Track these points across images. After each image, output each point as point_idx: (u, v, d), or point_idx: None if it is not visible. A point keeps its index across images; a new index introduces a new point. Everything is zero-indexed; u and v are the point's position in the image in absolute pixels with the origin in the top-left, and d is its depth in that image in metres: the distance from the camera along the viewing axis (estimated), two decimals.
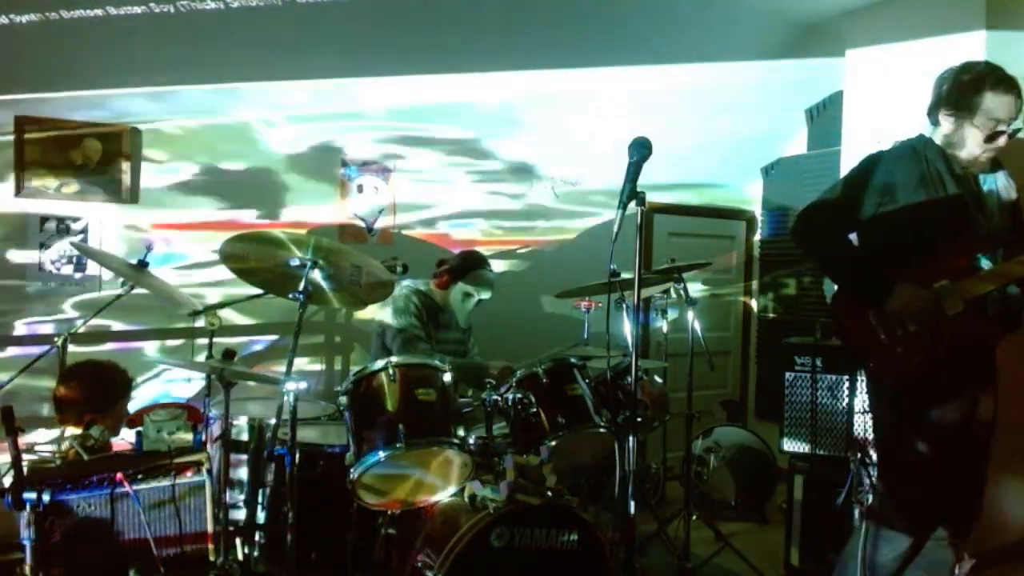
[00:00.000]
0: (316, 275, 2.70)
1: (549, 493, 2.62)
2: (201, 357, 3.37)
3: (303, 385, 2.57)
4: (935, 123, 2.56)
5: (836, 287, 2.77)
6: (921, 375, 2.47)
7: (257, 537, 2.96)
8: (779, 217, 5.49)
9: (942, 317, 2.43)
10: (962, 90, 2.46)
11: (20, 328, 3.68)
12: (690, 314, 3.68)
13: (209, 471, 2.66)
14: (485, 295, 3.77)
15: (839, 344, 2.85)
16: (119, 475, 2.47)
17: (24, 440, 2.94)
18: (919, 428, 2.50)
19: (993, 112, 2.42)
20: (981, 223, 2.51)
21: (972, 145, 2.47)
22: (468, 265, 3.77)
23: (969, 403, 2.51)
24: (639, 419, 3.26)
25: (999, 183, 2.58)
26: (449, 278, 3.75)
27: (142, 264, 3.13)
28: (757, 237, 5.70)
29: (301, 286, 2.63)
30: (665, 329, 4.17)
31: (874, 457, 2.94)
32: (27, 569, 2.34)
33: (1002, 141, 2.46)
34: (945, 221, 2.48)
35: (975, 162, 2.51)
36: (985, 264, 2.45)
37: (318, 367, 4.40)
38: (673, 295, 3.78)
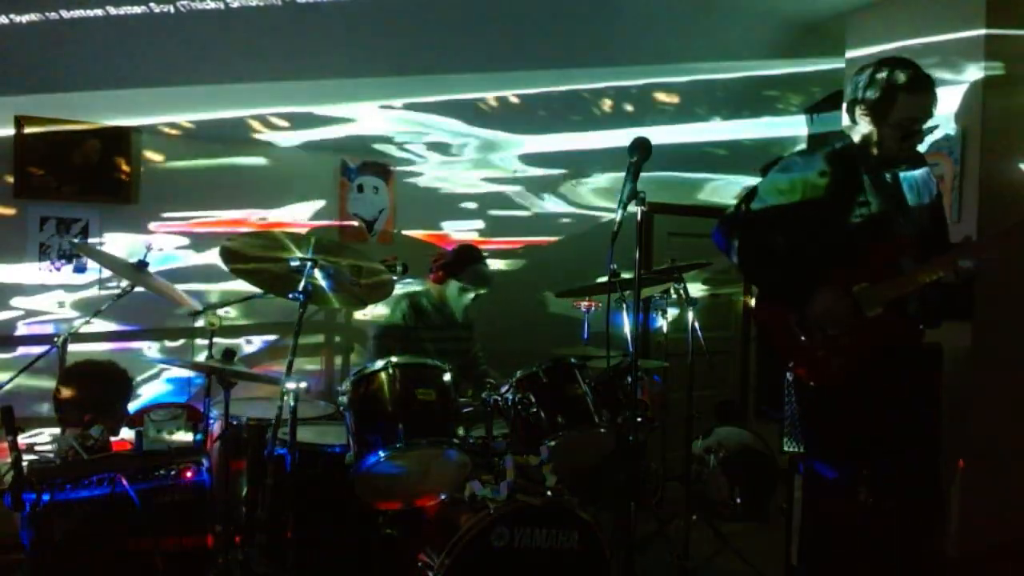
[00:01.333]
0: (316, 275, 2.70)
1: (549, 493, 2.62)
2: (201, 357, 3.37)
3: (303, 385, 2.57)
4: (853, 121, 2.55)
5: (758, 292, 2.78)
6: (844, 377, 2.46)
7: (257, 537, 2.96)
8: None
9: (862, 319, 2.42)
10: (877, 90, 2.44)
11: (20, 328, 3.68)
12: (690, 314, 3.68)
13: (209, 471, 2.66)
14: (482, 290, 3.77)
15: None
16: (119, 475, 2.47)
17: (24, 440, 2.94)
18: (847, 429, 2.49)
19: (907, 112, 2.40)
20: (902, 224, 2.49)
21: (889, 144, 2.46)
22: (463, 260, 3.76)
23: (899, 401, 2.48)
24: (639, 419, 3.27)
25: (920, 181, 2.57)
26: (444, 273, 3.74)
27: (142, 264, 3.13)
28: None
29: (301, 286, 2.63)
30: (665, 329, 4.17)
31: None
32: (27, 569, 2.34)
33: (918, 140, 2.46)
34: (865, 224, 2.47)
35: (894, 160, 2.50)
36: (907, 264, 2.45)
37: (318, 367, 4.40)
38: (673, 295, 3.78)
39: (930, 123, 2.48)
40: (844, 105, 2.57)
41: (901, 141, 2.44)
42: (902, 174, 2.54)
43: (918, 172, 2.57)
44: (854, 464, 2.50)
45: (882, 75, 2.44)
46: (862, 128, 2.50)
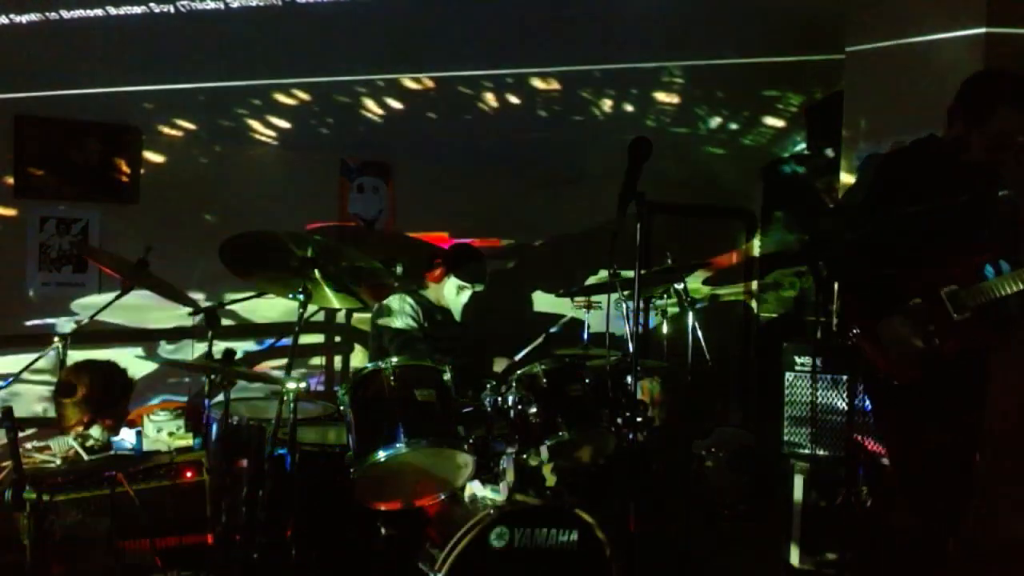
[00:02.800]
0: (316, 275, 2.69)
1: (549, 493, 2.62)
2: (200, 357, 3.37)
3: (303, 385, 2.57)
4: (951, 124, 2.56)
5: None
6: (925, 377, 2.47)
7: (257, 537, 2.96)
8: (779, 217, 5.48)
9: (949, 321, 2.43)
10: (978, 96, 2.46)
11: (20, 328, 3.68)
12: (690, 315, 3.68)
13: (209, 471, 2.66)
14: (479, 287, 3.79)
15: (840, 344, 2.88)
16: (119, 475, 2.47)
17: (24, 440, 2.94)
18: (931, 432, 2.50)
19: (1003, 124, 2.41)
20: (992, 228, 2.50)
21: (977, 152, 2.47)
22: (461, 258, 3.80)
23: (970, 404, 2.51)
24: (639, 419, 3.26)
25: (1000, 191, 2.56)
26: (442, 272, 3.77)
27: (142, 264, 3.13)
28: (757, 237, 5.70)
29: (301, 286, 2.63)
30: (665, 329, 4.17)
31: (873, 456, 2.95)
32: (27, 569, 2.34)
33: (1007, 155, 2.46)
34: (952, 224, 2.47)
35: (982, 167, 2.50)
36: (989, 271, 2.45)
37: (318, 367, 4.40)
38: (673, 295, 3.78)
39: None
40: (948, 109, 2.57)
41: (988, 151, 2.45)
42: (989, 183, 2.54)
43: (1000, 183, 2.56)
44: (922, 463, 2.51)
45: (987, 83, 2.47)
46: (955, 132, 2.52)
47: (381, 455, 2.58)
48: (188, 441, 2.71)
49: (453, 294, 3.78)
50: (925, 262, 2.49)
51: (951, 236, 2.48)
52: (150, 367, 3.90)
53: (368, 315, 3.95)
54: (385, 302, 3.67)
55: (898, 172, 2.54)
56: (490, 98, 4.28)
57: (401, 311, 3.66)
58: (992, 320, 2.47)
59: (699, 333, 3.68)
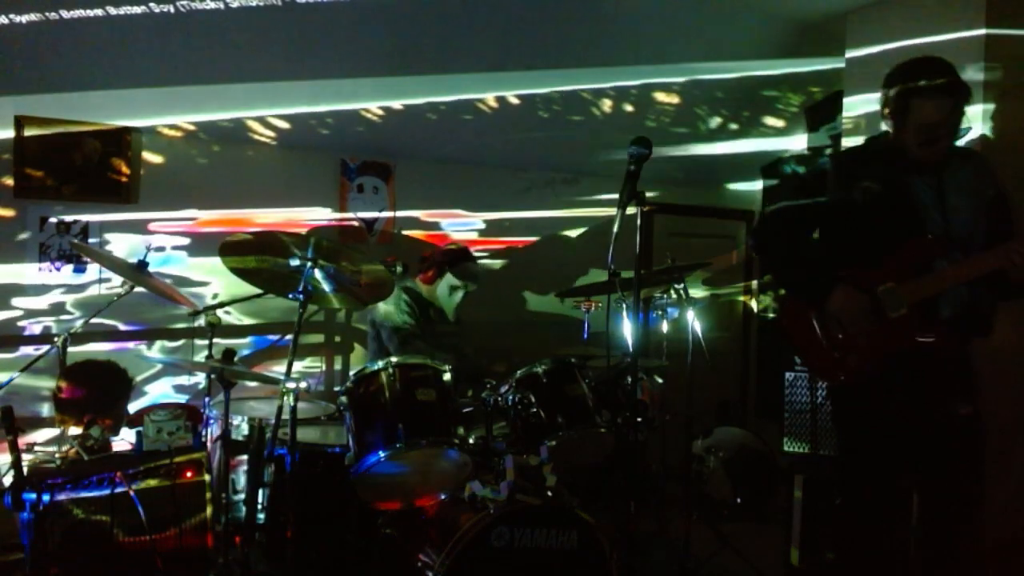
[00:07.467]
0: (316, 275, 2.70)
1: (549, 493, 2.62)
2: (201, 357, 3.37)
3: (303, 385, 2.57)
4: (886, 123, 2.52)
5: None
6: (859, 377, 2.46)
7: (257, 537, 2.96)
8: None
9: (883, 320, 2.41)
10: (896, 93, 2.40)
11: (20, 328, 3.68)
12: (690, 314, 3.68)
13: (209, 471, 2.67)
14: (472, 287, 3.81)
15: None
16: (119, 475, 2.48)
17: (24, 440, 2.94)
18: (864, 430, 2.50)
19: (920, 117, 2.35)
20: (939, 223, 2.42)
21: (910, 148, 2.41)
22: (454, 258, 3.82)
23: (924, 404, 2.44)
24: (639, 419, 3.26)
25: (966, 181, 2.46)
26: (435, 272, 3.79)
27: (142, 264, 3.13)
28: None
29: (301, 286, 2.63)
30: (665, 329, 4.17)
31: None
32: (27, 569, 2.34)
33: (940, 146, 2.39)
34: (896, 221, 2.42)
35: (924, 161, 2.43)
36: (940, 266, 2.39)
37: (318, 367, 4.40)
38: (673, 295, 3.78)
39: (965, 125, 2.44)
40: (880, 109, 2.53)
41: (919, 147, 2.39)
42: (948, 174, 2.45)
43: (962, 172, 2.46)
44: (879, 460, 2.50)
45: (899, 78, 2.41)
46: (890, 129, 2.47)
47: (381, 455, 2.58)
48: (188, 441, 2.72)
49: (446, 294, 3.81)
50: (870, 259, 2.44)
51: (897, 232, 2.42)
52: (150, 367, 3.90)
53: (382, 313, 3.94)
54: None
55: (849, 169, 2.53)
56: (490, 98, 4.28)
57: (398, 308, 3.69)
58: (928, 319, 2.41)
59: (699, 332, 3.68)
